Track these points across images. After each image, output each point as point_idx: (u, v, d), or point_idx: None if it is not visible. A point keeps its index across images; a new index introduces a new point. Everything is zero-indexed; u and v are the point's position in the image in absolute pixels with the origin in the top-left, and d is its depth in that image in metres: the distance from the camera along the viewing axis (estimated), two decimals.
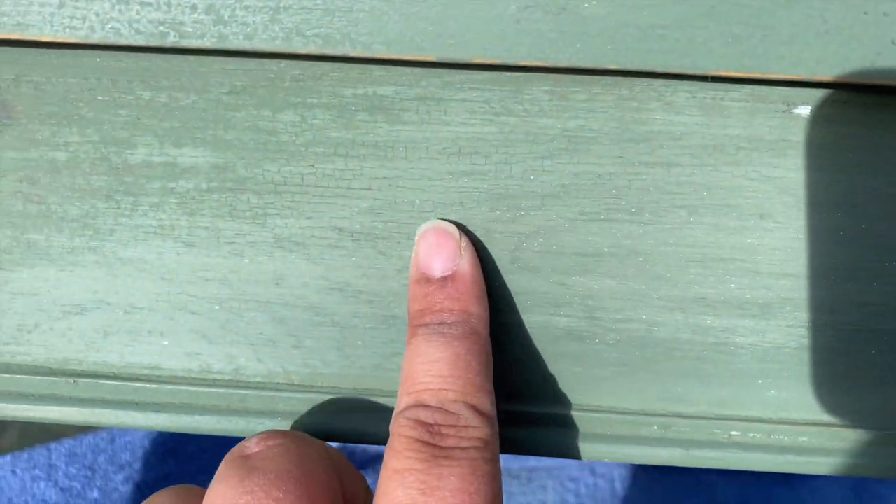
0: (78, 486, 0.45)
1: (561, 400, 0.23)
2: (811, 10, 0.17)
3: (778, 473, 0.50)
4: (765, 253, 0.21)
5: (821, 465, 0.23)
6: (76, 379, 0.23)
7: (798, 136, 0.20)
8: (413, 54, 0.18)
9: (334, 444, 0.41)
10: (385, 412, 0.23)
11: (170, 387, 0.23)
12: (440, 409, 0.19)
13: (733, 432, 0.23)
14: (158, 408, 0.23)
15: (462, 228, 0.21)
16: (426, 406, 0.19)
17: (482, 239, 0.21)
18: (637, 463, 0.23)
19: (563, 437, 0.23)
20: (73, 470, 0.46)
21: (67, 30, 0.18)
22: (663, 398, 0.23)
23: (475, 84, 0.20)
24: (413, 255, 0.21)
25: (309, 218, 0.22)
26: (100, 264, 0.22)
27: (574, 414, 0.23)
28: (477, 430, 0.19)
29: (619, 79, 0.20)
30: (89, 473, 0.46)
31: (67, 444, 0.47)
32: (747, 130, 0.20)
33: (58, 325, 0.23)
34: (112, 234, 0.22)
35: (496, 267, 0.22)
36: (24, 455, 0.47)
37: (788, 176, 0.20)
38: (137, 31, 0.18)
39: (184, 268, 0.22)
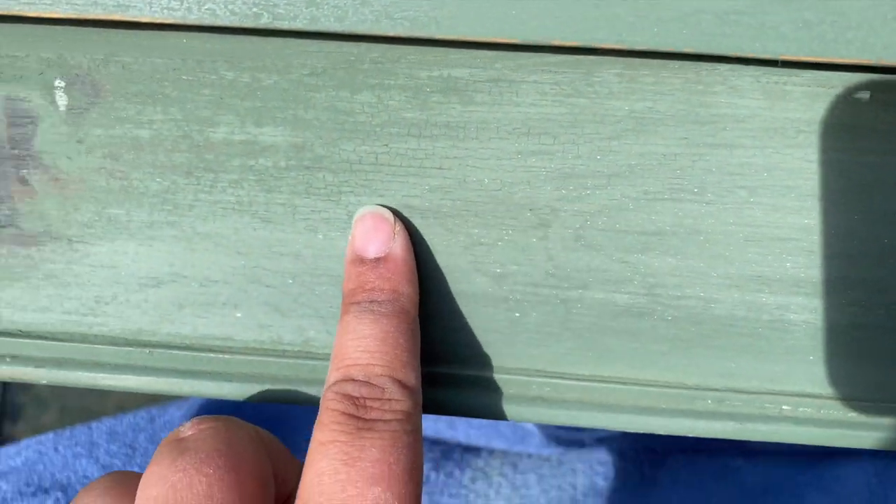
0: (119, 463, 0.47)
1: (616, 374, 0.24)
2: None
3: (802, 460, 0.51)
4: (821, 233, 0.22)
5: (869, 440, 0.24)
6: (151, 349, 0.24)
7: (857, 119, 0.21)
8: (495, 36, 0.19)
9: None
10: (442, 384, 0.24)
11: (242, 357, 0.24)
12: (367, 382, 0.20)
13: (784, 407, 0.24)
14: (231, 377, 0.24)
15: (397, 214, 0.22)
16: (353, 380, 0.20)
17: (548, 217, 0.22)
18: (692, 435, 0.24)
19: (620, 411, 0.24)
20: (113, 447, 0.47)
21: (166, 11, 0.19)
22: (718, 373, 0.24)
23: (547, 66, 0.21)
24: (350, 237, 0.22)
25: (381, 196, 0.22)
26: (178, 239, 0.23)
27: (629, 388, 0.24)
28: (400, 402, 0.20)
29: (687, 63, 0.20)
30: (130, 451, 0.47)
31: (108, 422, 0.48)
32: (808, 114, 0.21)
33: (134, 298, 0.24)
34: (191, 209, 0.23)
35: (561, 244, 0.22)
36: (67, 433, 0.48)
37: (846, 159, 0.21)
38: (232, 13, 0.19)
39: (259, 243, 0.23)
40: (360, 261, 0.22)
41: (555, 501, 0.47)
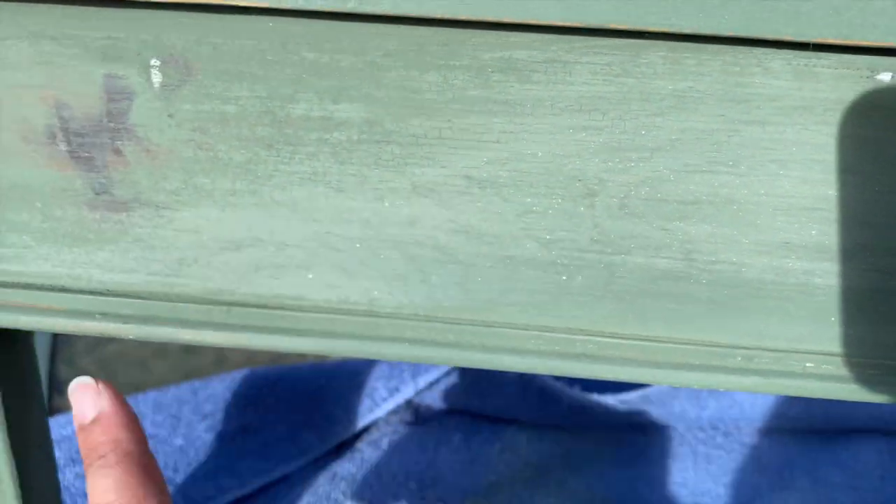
0: (164, 433, 0.49)
1: (655, 334, 0.26)
2: None
3: (819, 436, 0.53)
4: (845, 203, 0.24)
5: (886, 396, 0.26)
6: (229, 308, 0.27)
7: (880, 99, 0.23)
8: (557, 20, 0.21)
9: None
10: (493, 343, 0.27)
11: (312, 315, 0.26)
12: None
13: (808, 364, 0.26)
14: (302, 333, 0.27)
15: (97, 377, 0.27)
16: None
17: (595, 187, 0.24)
18: (723, 389, 0.26)
19: (658, 367, 0.26)
20: (159, 418, 0.50)
21: None
22: (748, 333, 0.26)
23: (598, 49, 0.23)
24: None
25: (443, 167, 0.25)
26: (257, 206, 0.26)
27: (666, 346, 0.26)
28: None
29: (725, 46, 0.22)
30: (174, 422, 0.50)
31: (153, 394, 0.51)
32: (834, 94, 0.23)
33: (215, 260, 0.26)
34: (270, 179, 0.25)
35: (607, 213, 0.25)
36: None
37: (869, 135, 0.23)
38: None
39: (331, 210, 0.25)
40: (82, 428, 0.26)
41: (579, 475, 0.49)
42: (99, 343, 0.58)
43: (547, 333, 0.26)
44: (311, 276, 0.26)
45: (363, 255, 0.26)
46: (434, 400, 0.51)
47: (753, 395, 0.54)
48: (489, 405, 0.50)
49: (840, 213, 0.24)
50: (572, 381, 0.50)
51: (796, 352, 0.26)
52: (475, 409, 0.50)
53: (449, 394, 0.51)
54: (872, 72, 0.23)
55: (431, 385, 0.51)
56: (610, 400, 0.49)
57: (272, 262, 0.26)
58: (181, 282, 0.27)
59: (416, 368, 0.50)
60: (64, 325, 0.27)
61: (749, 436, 0.52)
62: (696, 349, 0.26)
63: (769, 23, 0.21)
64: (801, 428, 0.53)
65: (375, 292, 0.26)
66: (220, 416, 0.50)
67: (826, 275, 0.25)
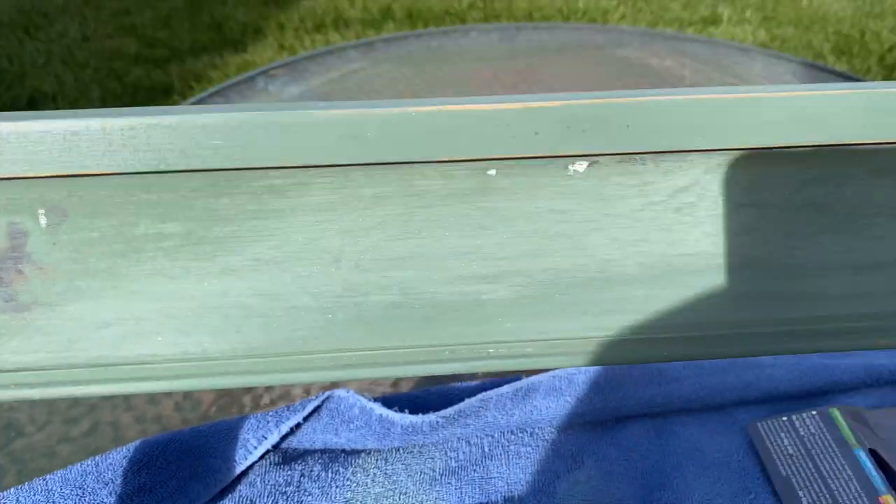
0: (71, 503, 0.59)
1: (392, 344, 0.40)
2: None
3: (602, 426, 0.68)
4: (488, 248, 0.39)
5: (543, 362, 0.41)
6: (106, 367, 0.39)
7: (490, 184, 0.39)
8: (296, 162, 0.36)
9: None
10: (294, 367, 0.40)
11: (164, 365, 0.39)
12: None
13: (490, 350, 0.41)
14: (158, 378, 0.39)
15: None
16: None
17: (339, 255, 0.39)
18: (437, 373, 0.40)
19: (394, 365, 0.40)
20: (66, 491, 0.59)
21: (112, 169, 0.35)
22: (448, 335, 0.41)
23: (323, 174, 0.38)
24: None
25: (239, 255, 0.39)
26: (118, 296, 0.39)
27: (400, 351, 0.40)
28: None
29: (398, 165, 0.38)
30: (80, 492, 0.60)
31: (60, 472, 0.61)
32: (467, 185, 0.39)
33: (93, 336, 0.39)
34: (126, 276, 0.38)
35: (348, 271, 0.39)
36: (25, 486, 0.60)
37: (489, 205, 0.39)
38: (146, 166, 0.35)
39: (169, 292, 0.39)
40: None
41: (419, 482, 0.62)
42: (7, 440, 0.67)
43: (324, 354, 0.40)
44: (160, 338, 0.39)
45: (193, 319, 0.39)
46: (298, 442, 0.63)
47: (548, 401, 0.69)
48: (342, 438, 0.63)
49: (487, 254, 0.40)
50: (402, 408, 0.63)
51: (482, 343, 0.41)
52: (331, 444, 0.63)
53: (308, 435, 0.63)
54: (485, 170, 0.39)
55: (293, 430, 0.63)
56: (433, 417, 0.63)
57: (133, 332, 0.39)
58: (71, 354, 0.39)
59: (279, 418, 0.62)
60: None
61: (549, 433, 0.67)
62: (419, 350, 0.40)
63: (413, 152, 0.36)
64: (588, 421, 0.68)
65: (206, 343, 0.40)
66: (119, 480, 0.60)
67: (489, 292, 0.40)
